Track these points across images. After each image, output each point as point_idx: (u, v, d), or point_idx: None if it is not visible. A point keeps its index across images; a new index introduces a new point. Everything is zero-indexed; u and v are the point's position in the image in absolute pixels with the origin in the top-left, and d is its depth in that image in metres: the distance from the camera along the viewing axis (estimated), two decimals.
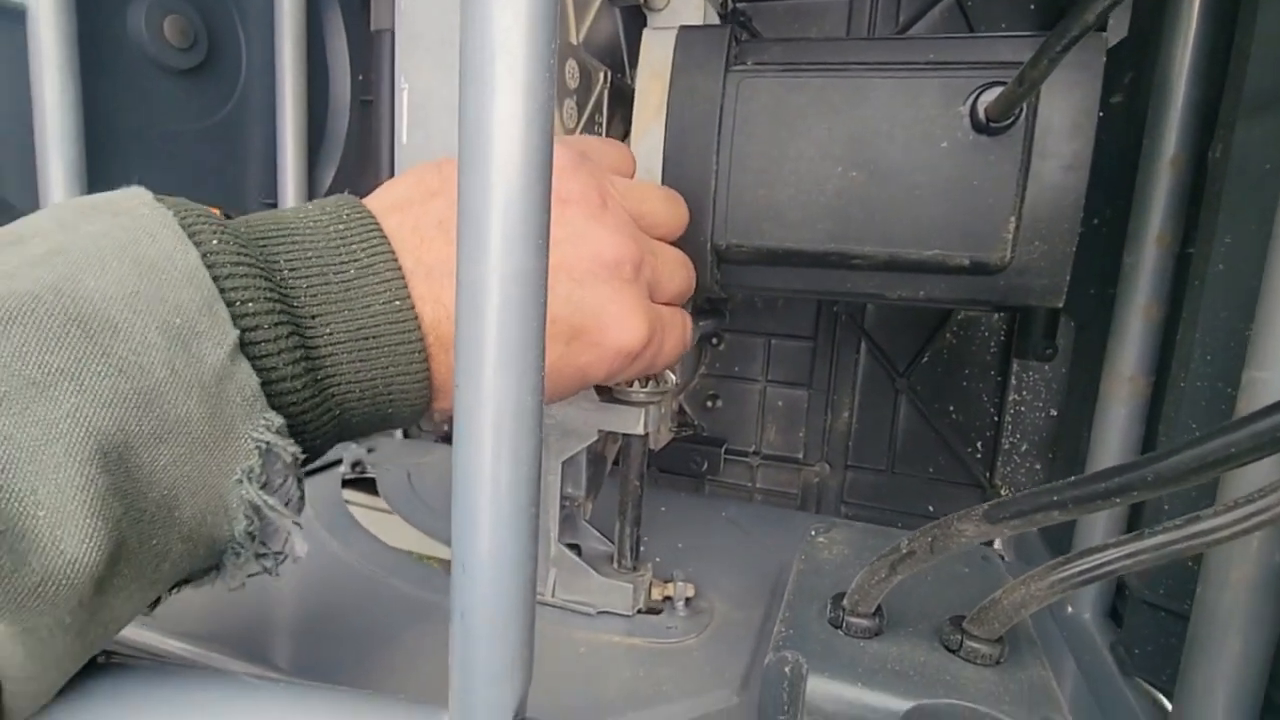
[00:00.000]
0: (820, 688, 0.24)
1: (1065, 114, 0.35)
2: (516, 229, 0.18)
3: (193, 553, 0.22)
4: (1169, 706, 0.35)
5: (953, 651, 0.26)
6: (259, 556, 0.23)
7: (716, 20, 0.48)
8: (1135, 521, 0.41)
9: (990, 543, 0.47)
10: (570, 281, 0.29)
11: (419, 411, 0.27)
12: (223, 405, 0.21)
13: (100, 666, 0.22)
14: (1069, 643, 0.42)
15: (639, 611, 0.42)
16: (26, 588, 0.17)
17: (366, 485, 0.61)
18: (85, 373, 0.18)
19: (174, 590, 0.24)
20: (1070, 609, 0.43)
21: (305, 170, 0.63)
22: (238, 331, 0.22)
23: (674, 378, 0.42)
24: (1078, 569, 0.24)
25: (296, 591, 0.44)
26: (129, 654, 0.24)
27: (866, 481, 0.63)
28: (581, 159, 0.31)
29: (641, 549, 0.43)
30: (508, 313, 0.18)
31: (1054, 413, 0.55)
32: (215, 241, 0.23)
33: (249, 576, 0.24)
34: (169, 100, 0.53)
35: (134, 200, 0.23)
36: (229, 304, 0.22)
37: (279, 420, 0.22)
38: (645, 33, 0.41)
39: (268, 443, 0.22)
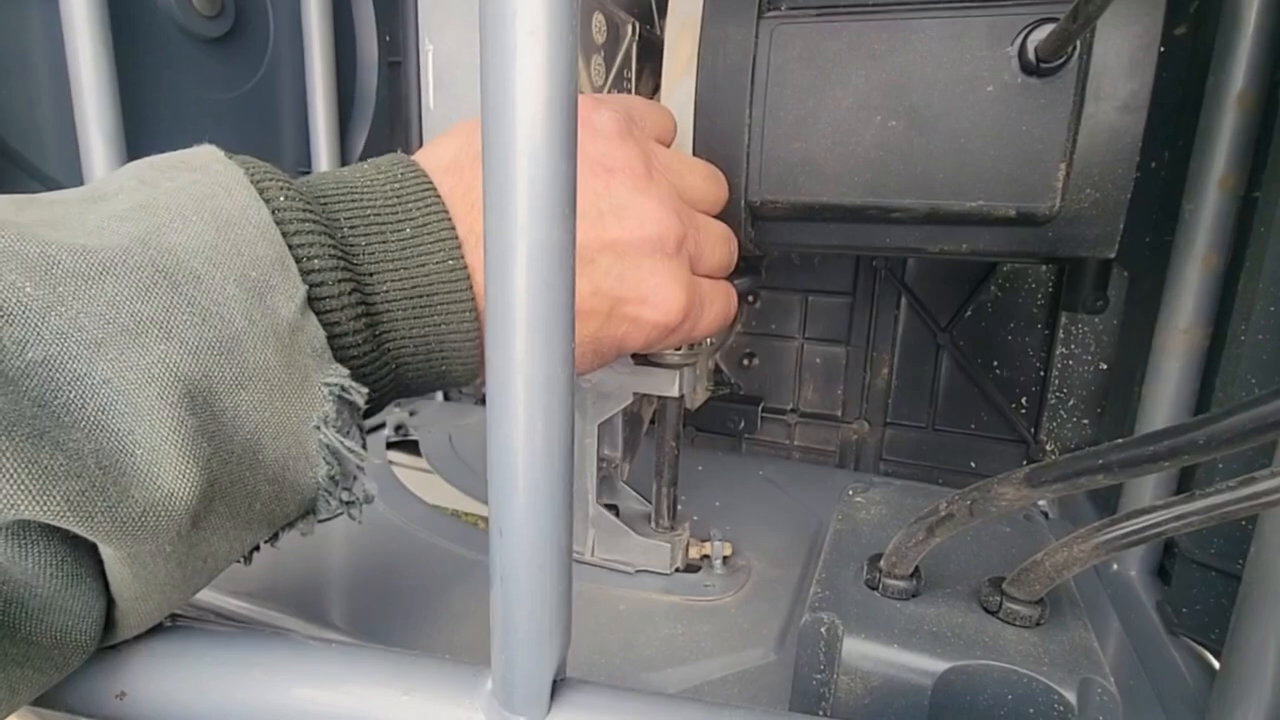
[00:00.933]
0: (856, 649, 0.25)
1: (1122, 51, 0.33)
2: (542, 197, 0.18)
3: (280, 495, 0.23)
4: (1216, 665, 0.34)
5: (991, 613, 0.26)
6: (346, 503, 0.25)
7: None
8: (1186, 478, 0.40)
9: None
10: (612, 255, 0.28)
11: (472, 371, 0.28)
12: (296, 356, 0.22)
13: (169, 629, 0.24)
14: (1113, 600, 0.41)
15: (677, 570, 0.43)
16: (130, 517, 0.18)
17: (409, 448, 0.62)
18: (172, 321, 0.20)
19: (273, 540, 0.25)
20: (1116, 566, 0.43)
21: (338, 136, 0.64)
22: (306, 287, 0.22)
23: (709, 340, 0.41)
24: (1124, 531, 0.23)
25: (345, 551, 0.46)
26: (192, 613, 0.25)
27: (906, 438, 0.62)
28: (630, 124, 0.31)
29: (679, 508, 0.44)
30: (536, 282, 0.18)
31: (1104, 366, 0.53)
32: (282, 198, 0.23)
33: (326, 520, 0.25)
34: (201, 70, 0.53)
35: (207, 157, 0.24)
36: (296, 260, 0.23)
37: (345, 372, 0.23)
38: None
39: (342, 388, 0.23)
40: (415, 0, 0.37)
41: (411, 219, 0.26)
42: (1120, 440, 0.21)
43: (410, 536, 0.47)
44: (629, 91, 0.43)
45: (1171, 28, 0.43)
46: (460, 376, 0.28)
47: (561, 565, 0.21)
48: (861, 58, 0.36)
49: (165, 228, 0.21)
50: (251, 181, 0.23)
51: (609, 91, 0.41)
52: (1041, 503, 0.51)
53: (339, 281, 0.24)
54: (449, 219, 0.26)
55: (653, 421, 0.44)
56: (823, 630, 0.25)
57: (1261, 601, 0.26)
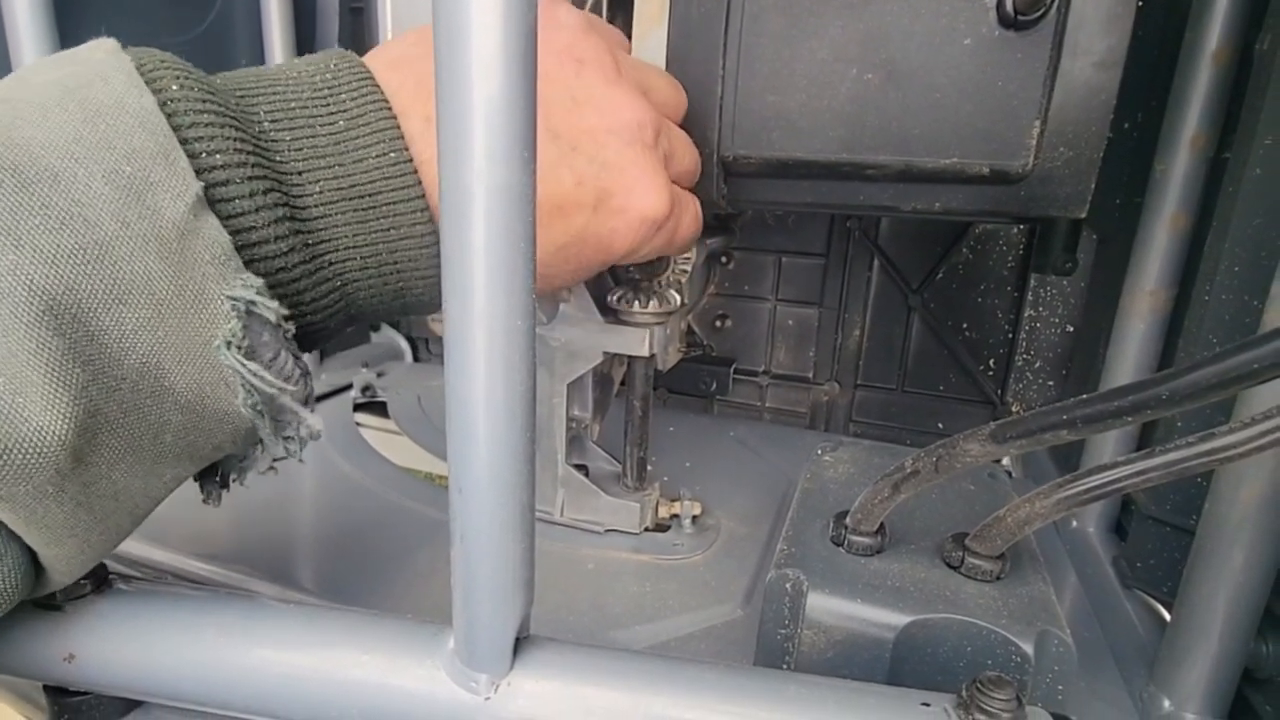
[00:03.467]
0: (820, 604, 0.25)
1: (1100, 4, 0.32)
2: (500, 140, 0.17)
3: (198, 425, 0.21)
4: (1167, 617, 0.35)
5: (954, 568, 0.26)
6: (284, 438, 0.23)
7: None
8: (1146, 436, 0.41)
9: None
10: (593, 144, 0.27)
11: (434, 288, 0.26)
12: (188, 264, 0.20)
13: (119, 591, 0.23)
14: (1071, 555, 0.42)
15: (646, 529, 0.43)
16: None
17: (377, 409, 0.61)
18: (21, 226, 0.17)
19: (240, 477, 0.23)
20: (1074, 523, 0.44)
21: None
22: (201, 184, 0.20)
23: (679, 297, 0.41)
24: (1084, 487, 0.23)
25: (310, 512, 0.45)
26: (148, 574, 0.25)
27: (876, 400, 0.62)
28: (591, 22, 0.30)
29: (649, 468, 0.44)
30: (495, 230, 0.17)
31: (1070, 328, 0.54)
32: (176, 88, 0.21)
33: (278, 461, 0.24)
34: (145, 12, 0.50)
35: (96, 48, 0.21)
36: (192, 155, 0.20)
37: (256, 282, 0.21)
38: None
39: (247, 302, 0.20)
40: None
41: (344, 111, 0.23)
42: (1084, 396, 0.21)
43: (377, 498, 0.46)
44: None
45: None
46: (422, 296, 0.26)
47: (523, 522, 0.20)
48: (838, 8, 0.35)
49: (20, 121, 0.18)
50: (141, 71, 0.20)
51: None
52: (1005, 462, 0.52)
53: (250, 179, 0.21)
54: (388, 109, 0.24)
55: (624, 382, 0.44)
56: (787, 586, 0.26)
57: (1213, 555, 0.27)
